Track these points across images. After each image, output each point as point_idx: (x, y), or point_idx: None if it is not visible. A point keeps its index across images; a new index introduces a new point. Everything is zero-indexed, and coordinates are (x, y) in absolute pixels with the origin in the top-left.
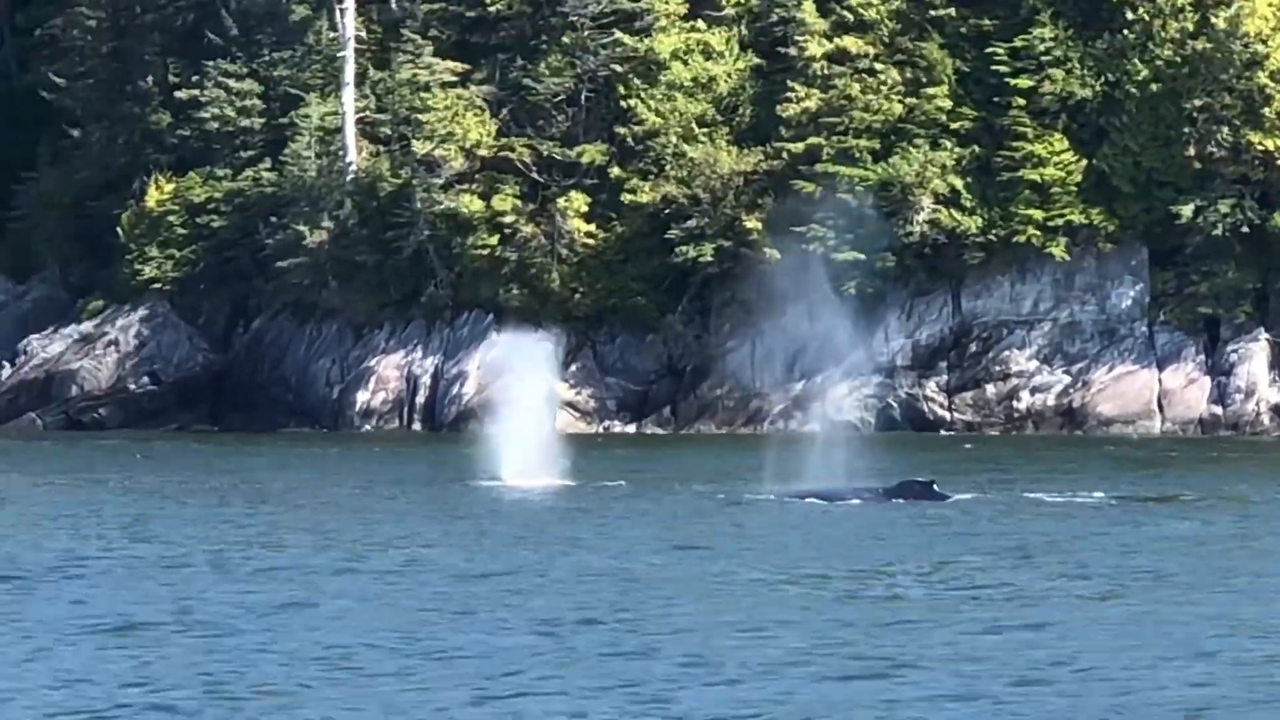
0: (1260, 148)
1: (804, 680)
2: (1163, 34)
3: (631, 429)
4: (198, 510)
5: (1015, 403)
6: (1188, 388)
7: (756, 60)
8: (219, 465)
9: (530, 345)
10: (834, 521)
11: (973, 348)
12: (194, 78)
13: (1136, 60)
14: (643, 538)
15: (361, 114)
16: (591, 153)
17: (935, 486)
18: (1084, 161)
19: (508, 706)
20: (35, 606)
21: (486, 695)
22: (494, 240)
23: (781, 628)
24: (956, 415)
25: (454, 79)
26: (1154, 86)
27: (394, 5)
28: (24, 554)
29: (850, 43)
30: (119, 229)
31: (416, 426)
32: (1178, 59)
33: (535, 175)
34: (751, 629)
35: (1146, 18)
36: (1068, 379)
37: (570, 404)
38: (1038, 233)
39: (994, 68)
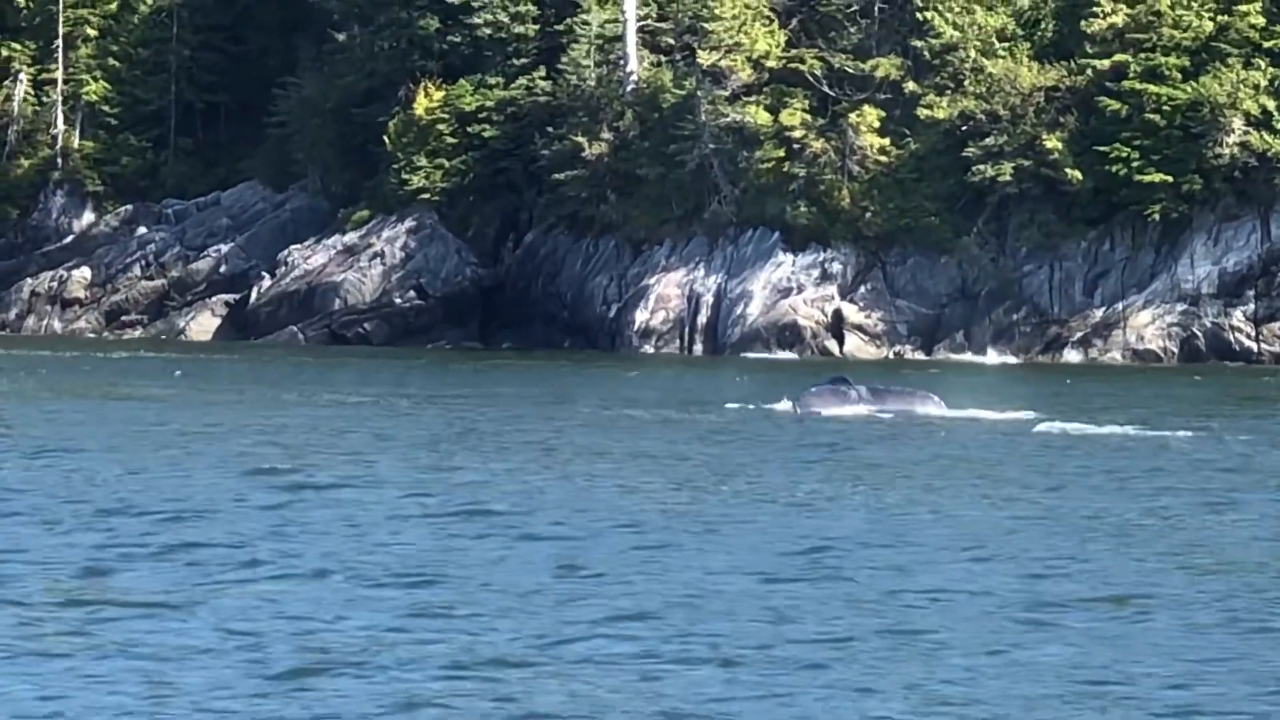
0: None
1: None
2: None
3: (921, 355)
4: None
5: None
6: None
7: None
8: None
9: None
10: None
11: None
12: None
13: None
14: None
15: (643, 22)
16: (886, 66)
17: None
18: None
19: None
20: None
21: None
22: (781, 154)
23: None
24: (1264, 346)
25: None
26: None
27: None
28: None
29: None
30: (385, 137)
31: (698, 349)
32: None
33: (825, 88)
34: None
35: None
36: None
37: (858, 327)
38: None
39: None
